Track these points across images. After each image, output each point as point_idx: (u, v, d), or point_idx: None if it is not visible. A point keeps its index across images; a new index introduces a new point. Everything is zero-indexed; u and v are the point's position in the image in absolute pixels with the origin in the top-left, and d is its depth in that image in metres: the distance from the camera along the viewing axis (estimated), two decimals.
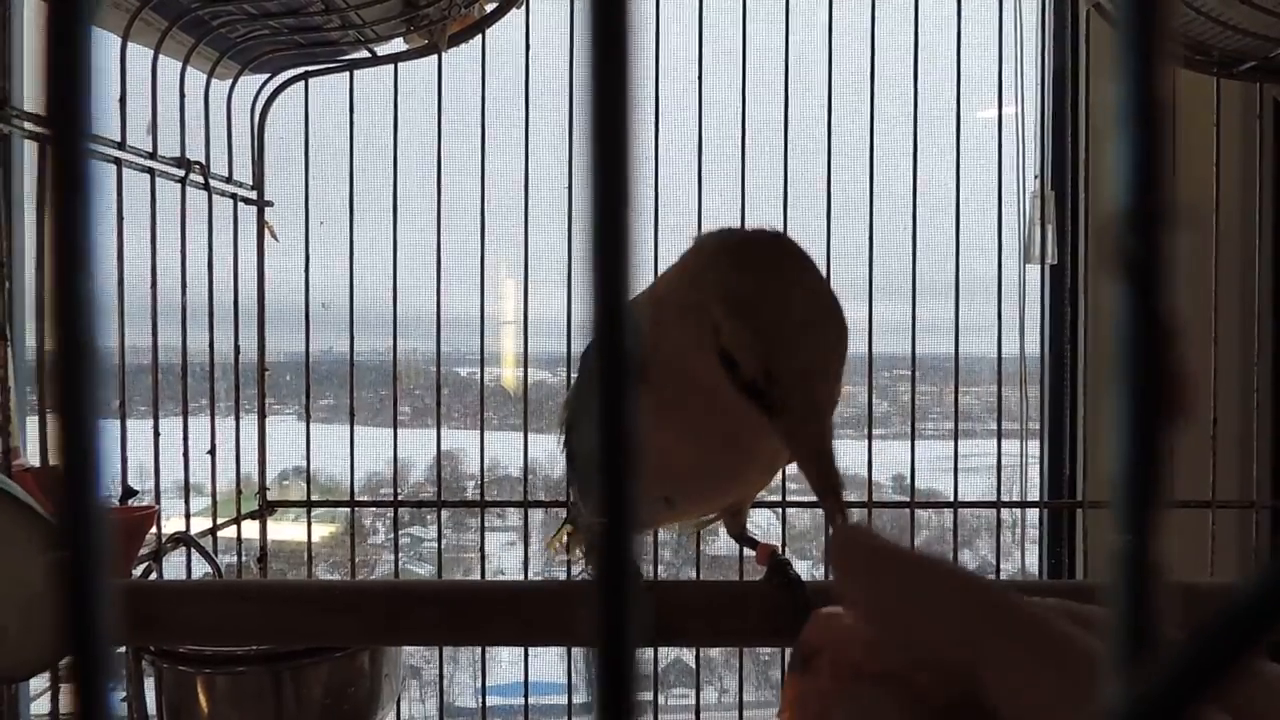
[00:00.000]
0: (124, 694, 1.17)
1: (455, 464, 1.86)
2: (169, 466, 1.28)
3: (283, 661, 1.12)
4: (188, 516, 1.32)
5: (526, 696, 1.50)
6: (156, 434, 1.26)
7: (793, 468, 0.89)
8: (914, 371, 1.46)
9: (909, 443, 1.47)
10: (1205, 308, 1.40)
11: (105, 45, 1.17)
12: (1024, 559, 1.80)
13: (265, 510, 1.52)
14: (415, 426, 1.62)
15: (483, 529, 1.52)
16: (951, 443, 1.46)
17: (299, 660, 1.13)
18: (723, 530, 0.95)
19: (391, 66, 1.45)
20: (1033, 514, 1.67)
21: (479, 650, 1.57)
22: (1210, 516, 1.42)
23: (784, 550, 0.91)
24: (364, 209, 1.47)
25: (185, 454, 1.32)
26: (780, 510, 1.56)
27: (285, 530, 1.59)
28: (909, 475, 1.50)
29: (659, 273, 0.75)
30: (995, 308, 1.47)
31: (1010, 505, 1.54)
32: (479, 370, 1.53)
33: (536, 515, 1.56)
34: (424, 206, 1.46)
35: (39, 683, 1.19)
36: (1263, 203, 1.47)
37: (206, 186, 1.33)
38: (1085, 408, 1.55)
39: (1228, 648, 0.15)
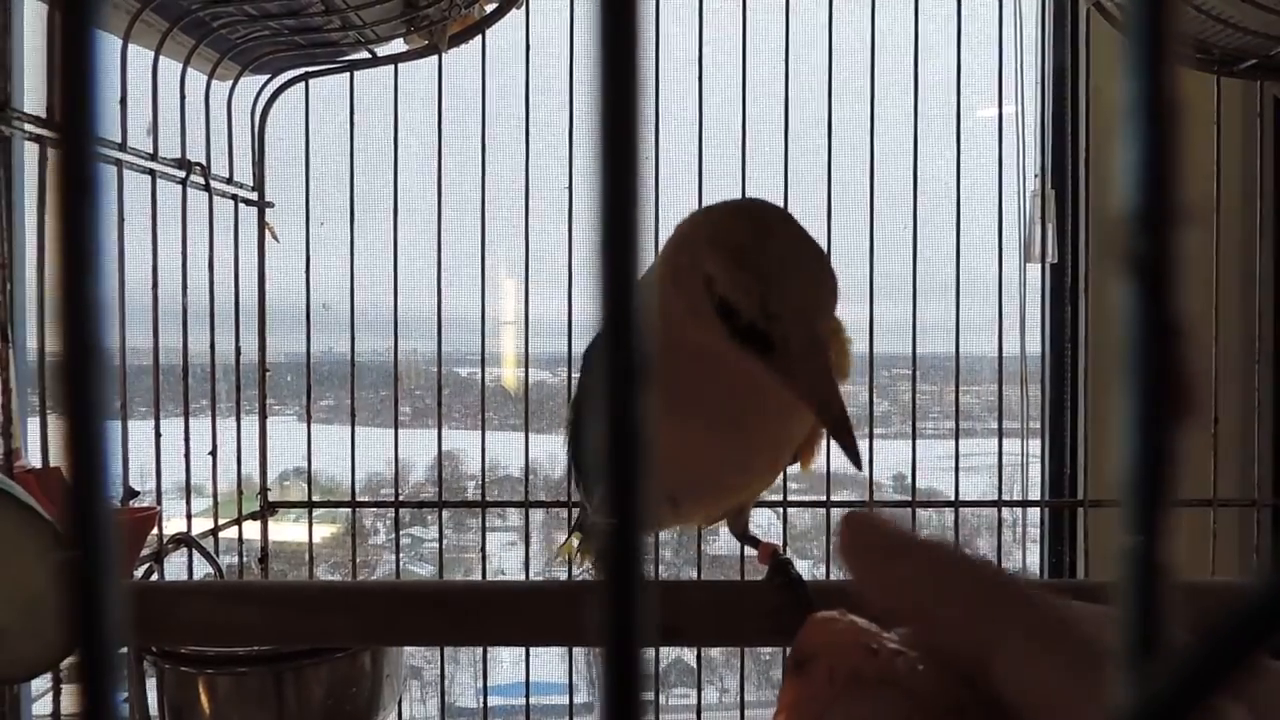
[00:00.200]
0: (125, 694, 1.17)
1: (456, 464, 1.86)
2: (170, 467, 1.28)
3: (284, 662, 1.12)
4: (189, 517, 1.32)
5: (528, 697, 1.50)
6: (158, 435, 1.26)
7: (793, 469, 0.89)
8: (914, 371, 1.46)
9: (909, 442, 1.47)
10: (1206, 306, 1.40)
11: (107, 47, 1.16)
12: (1025, 558, 1.80)
13: (266, 511, 1.52)
14: (416, 427, 1.62)
15: (484, 529, 1.52)
16: (952, 442, 1.46)
17: (300, 661, 1.13)
18: (724, 530, 0.95)
19: (392, 67, 1.45)
20: (1034, 513, 1.67)
21: (480, 650, 1.57)
22: (1212, 515, 1.42)
23: (785, 550, 0.91)
24: (364, 210, 1.47)
25: (186, 455, 1.32)
26: (781, 510, 1.56)
27: (286, 531, 1.59)
28: (909, 474, 1.50)
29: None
30: (996, 307, 1.47)
31: (1011, 504, 1.54)
32: (479, 370, 1.52)
33: (537, 515, 1.56)
34: (424, 207, 1.46)
35: (41, 683, 1.19)
36: (1263, 201, 1.47)
37: (207, 187, 1.33)
38: (1086, 406, 1.55)
39: (1237, 648, 0.15)
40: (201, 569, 1.31)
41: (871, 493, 1.49)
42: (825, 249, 1.39)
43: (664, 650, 1.68)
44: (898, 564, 0.31)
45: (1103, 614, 0.27)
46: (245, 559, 1.48)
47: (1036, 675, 0.26)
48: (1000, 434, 1.54)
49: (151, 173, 1.23)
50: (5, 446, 1.06)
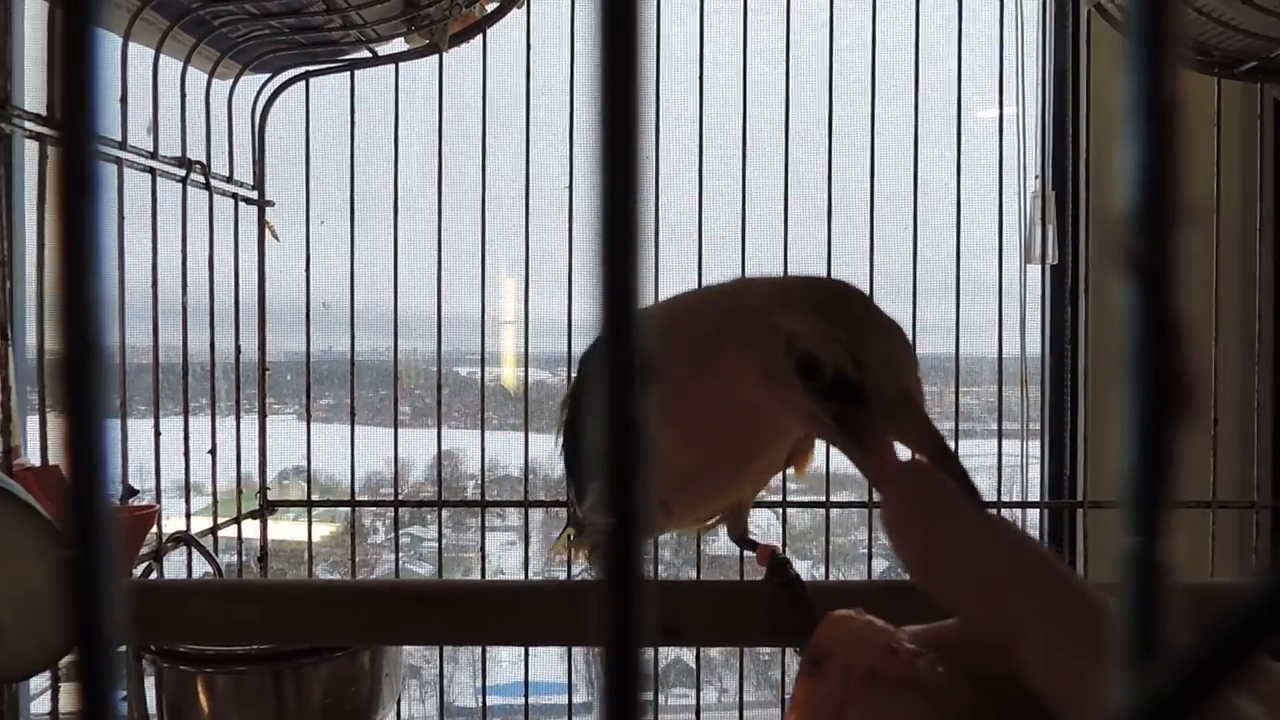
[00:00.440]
0: (124, 693, 1.16)
1: (455, 464, 1.86)
2: (169, 466, 1.28)
3: (283, 661, 1.12)
4: (188, 516, 1.32)
5: (527, 696, 1.50)
6: (157, 433, 1.26)
7: (791, 469, 0.89)
8: None
9: None
10: (1206, 307, 1.40)
11: (107, 45, 1.16)
12: None
13: (265, 510, 1.52)
14: (415, 426, 1.62)
15: (483, 529, 1.52)
16: (952, 443, 1.46)
17: (299, 660, 1.13)
18: (723, 530, 0.95)
19: (392, 66, 1.45)
20: (1033, 514, 1.67)
21: (479, 650, 1.57)
22: (1211, 516, 1.42)
23: (784, 550, 0.91)
24: (365, 209, 1.47)
25: (186, 454, 1.32)
26: (780, 510, 1.56)
27: (285, 530, 1.59)
28: None
29: (658, 278, 0.76)
30: (996, 307, 1.47)
31: (1011, 505, 1.54)
32: (479, 370, 1.52)
33: (537, 515, 1.56)
34: (425, 206, 1.46)
35: (39, 682, 1.19)
36: (1263, 203, 1.47)
37: (207, 186, 1.33)
38: (1086, 408, 1.55)
39: (1236, 648, 0.15)
40: (201, 568, 1.31)
41: (871, 493, 1.49)
42: (825, 249, 1.40)
43: (663, 650, 1.68)
44: (941, 527, 0.31)
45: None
46: (244, 558, 1.48)
47: (1063, 662, 0.26)
48: (1000, 435, 1.54)
49: (152, 171, 1.23)
50: (4, 444, 1.06)
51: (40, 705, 1.20)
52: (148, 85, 1.23)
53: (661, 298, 0.79)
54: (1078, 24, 1.56)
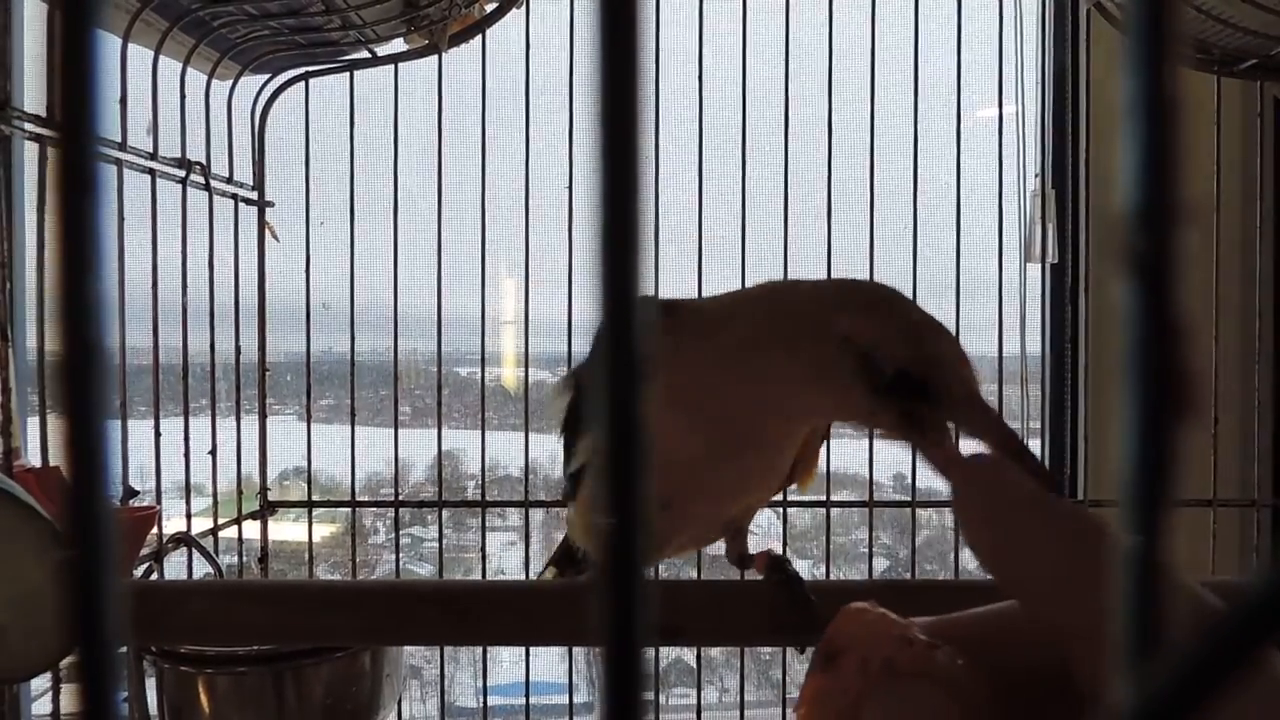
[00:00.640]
0: (125, 694, 1.16)
1: (455, 464, 1.86)
2: (170, 467, 1.28)
3: (284, 661, 1.12)
4: (189, 517, 1.32)
5: (528, 696, 1.50)
6: (158, 434, 1.26)
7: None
8: None
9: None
10: (1206, 306, 1.40)
11: (107, 46, 1.16)
12: None
13: (266, 510, 1.51)
14: (415, 426, 1.62)
15: (484, 529, 1.52)
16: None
17: (300, 660, 1.13)
18: (731, 564, 0.94)
19: (392, 67, 1.45)
20: None
21: (480, 650, 1.57)
22: (1211, 515, 1.42)
23: (785, 550, 0.91)
24: (364, 209, 1.47)
25: (186, 454, 1.32)
26: (781, 510, 1.56)
27: (286, 530, 1.59)
28: (909, 475, 1.50)
29: (658, 278, 0.77)
30: (996, 307, 1.47)
31: None
32: (479, 370, 1.52)
33: (537, 515, 1.56)
34: (424, 206, 1.46)
35: (40, 683, 1.19)
36: (1263, 201, 1.47)
37: (207, 187, 1.33)
38: (1086, 406, 1.55)
39: (1237, 647, 0.15)
40: (201, 569, 1.31)
41: (871, 493, 1.49)
42: (826, 249, 1.40)
43: (664, 650, 1.68)
44: (1013, 520, 0.30)
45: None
46: (245, 559, 1.48)
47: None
48: None
49: (151, 172, 1.23)
50: (5, 445, 1.06)
51: (41, 706, 1.20)
52: (147, 86, 1.23)
53: (667, 297, 0.79)
54: (1077, 23, 1.56)
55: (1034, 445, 1.71)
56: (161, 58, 1.24)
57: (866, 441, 1.44)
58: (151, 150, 1.23)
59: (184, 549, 1.29)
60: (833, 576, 1.45)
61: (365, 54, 1.44)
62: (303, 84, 1.47)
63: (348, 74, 1.46)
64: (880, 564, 1.66)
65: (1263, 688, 0.24)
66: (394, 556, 1.56)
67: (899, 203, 1.43)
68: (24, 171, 1.13)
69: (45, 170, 1.07)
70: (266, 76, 1.46)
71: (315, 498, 1.56)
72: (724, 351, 0.73)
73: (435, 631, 0.94)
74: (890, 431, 0.69)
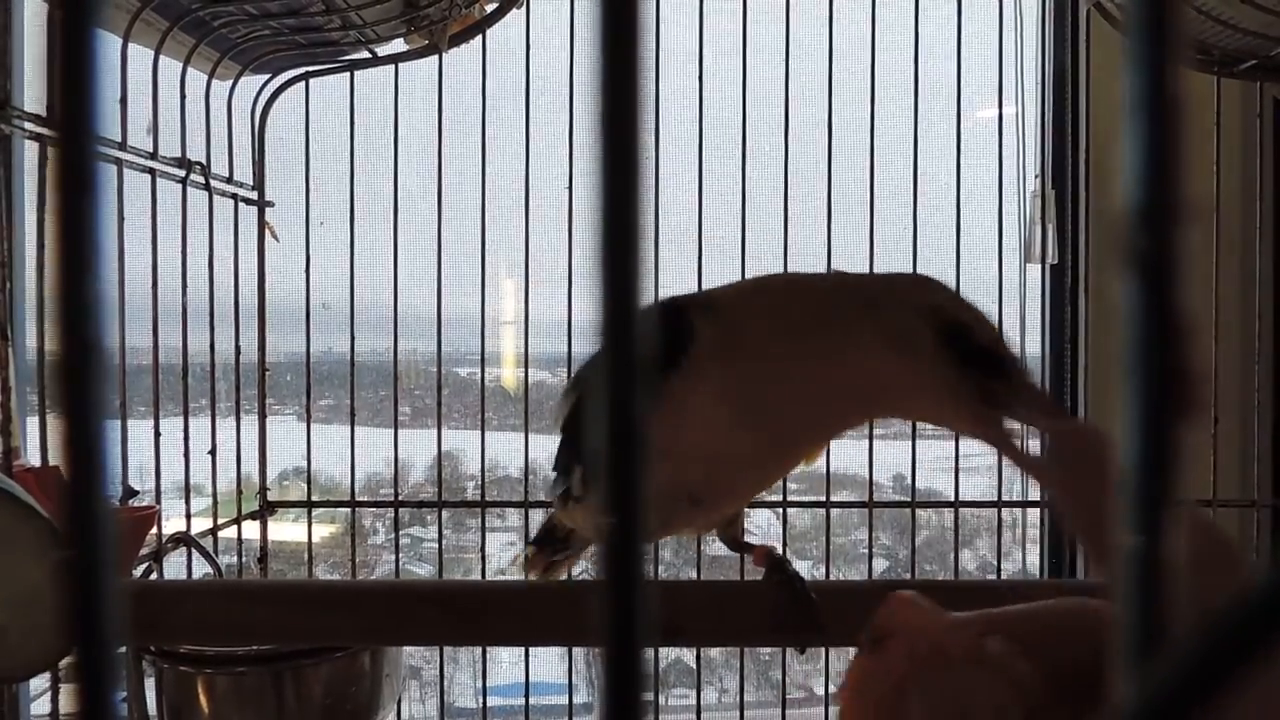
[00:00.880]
0: (124, 694, 1.16)
1: (455, 464, 1.86)
2: (169, 467, 1.27)
3: (283, 662, 1.12)
4: (188, 517, 1.31)
5: (527, 697, 1.50)
6: (157, 434, 1.25)
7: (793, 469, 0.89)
8: None
9: (908, 443, 1.47)
10: (1206, 306, 1.40)
11: (106, 46, 1.16)
12: (1025, 559, 1.80)
13: (265, 510, 1.51)
14: (415, 427, 1.61)
15: (483, 529, 1.52)
16: (951, 443, 1.46)
17: (299, 660, 1.13)
18: (725, 545, 0.94)
19: (392, 67, 1.44)
20: (1034, 513, 1.67)
21: (479, 651, 1.57)
22: (1211, 515, 1.42)
23: (784, 550, 0.91)
24: (364, 209, 1.47)
25: (186, 454, 1.31)
26: (781, 510, 1.56)
27: (285, 531, 1.59)
28: (907, 475, 1.50)
29: (657, 278, 0.78)
30: (996, 308, 1.47)
31: (1011, 505, 1.54)
32: (479, 370, 1.52)
33: (537, 516, 1.55)
34: (424, 207, 1.46)
35: (39, 683, 1.18)
36: (1263, 202, 1.47)
37: (207, 187, 1.33)
38: (1086, 407, 1.55)
39: (1239, 646, 0.15)
40: (200, 569, 1.30)
41: (871, 493, 1.49)
42: (826, 249, 1.40)
43: (664, 650, 1.67)
44: (1092, 482, 0.30)
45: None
46: (245, 559, 1.48)
47: None
48: None
49: (151, 172, 1.23)
50: (4, 445, 1.06)
51: (40, 706, 1.19)
52: (147, 86, 1.23)
53: (688, 293, 0.80)
54: (1077, 23, 1.56)
55: (1034, 444, 1.71)
56: (162, 57, 1.24)
57: (866, 443, 1.44)
58: (152, 150, 1.23)
59: (183, 549, 1.29)
60: (832, 577, 1.45)
61: (365, 54, 1.44)
62: (303, 84, 1.47)
63: (348, 74, 1.46)
64: (880, 565, 1.66)
65: (1265, 688, 0.24)
66: (394, 557, 1.56)
67: (899, 203, 1.43)
68: (24, 171, 1.13)
69: (45, 169, 1.07)
70: (267, 76, 1.46)
71: (315, 498, 1.56)
72: (786, 339, 0.73)
73: (436, 631, 0.94)
74: (958, 406, 0.70)
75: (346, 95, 1.46)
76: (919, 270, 1.41)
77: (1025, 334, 1.64)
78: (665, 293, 0.79)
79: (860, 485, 1.52)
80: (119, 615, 0.16)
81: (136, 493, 1.21)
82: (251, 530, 1.50)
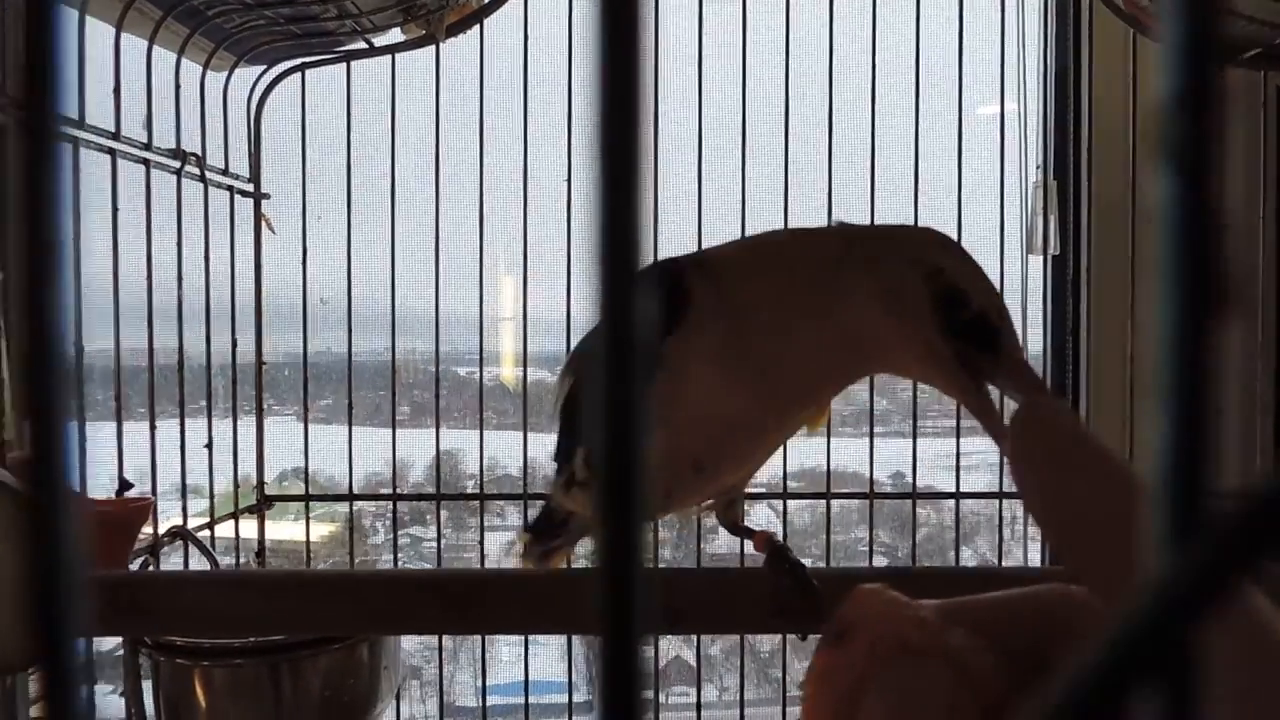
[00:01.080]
0: (121, 688, 1.16)
1: (454, 463, 1.85)
2: (166, 467, 1.27)
3: (281, 654, 1.12)
4: (184, 513, 1.31)
5: (527, 695, 1.50)
6: (153, 429, 1.25)
7: (794, 469, 0.88)
8: None
9: (908, 440, 1.47)
10: None
11: (99, 35, 1.16)
12: (1025, 555, 1.80)
13: (263, 505, 1.50)
14: (413, 426, 1.61)
15: (482, 526, 1.51)
16: (951, 440, 1.46)
17: (297, 652, 1.12)
18: (724, 529, 0.94)
19: (389, 57, 1.44)
20: None
21: (479, 649, 1.56)
22: None
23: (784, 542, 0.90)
24: (361, 202, 1.47)
25: (182, 449, 1.31)
26: (781, 504, 1.55)
27: (283, 530, 1.58)
28: (907, 472, 1.49)
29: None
30: None
31: (1012, 496, 1.53)
32: (478, 369, 1.52)
33: (536, 512, 1.55)
34: (422, 200, 1.45)
35: (37, 686, 1.18)
36: (1266, 190, 1.46)
37: (203, 178, 1.32)
38: (1088, 399, 1.54)
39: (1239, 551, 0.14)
40: (197, 565, 1.30)
41: (872, 489, 1.48)
42: None
43: (664, 648, 1.67)
44: (1072, 467, 0.29)
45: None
46: (243, 556, 1.47)
47: None
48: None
49: (146, 163, 1.23)
50: None
51: (39, 708, 1.19)
52: (141, 76, 1.23)
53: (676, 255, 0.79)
54: (1079, 14, 1.56)
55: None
56: (155, 48, 1.24)
57: (866, 440, 1.44)
58: (146, 141, 1.22)
59: (180, 544, 1.28)
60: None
61: (362, 44, 1.44)
62: (299, 75, 1.47)
63: (344, 65, 1.45)
64: (879, 561, 1.66)
65: (1242, 622, 0.23)
66: (393, 556, 1.56)
67: (900, 200, 1.43)
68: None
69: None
70: (262, 67, 1.46)
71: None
72: (782, 296, 0.73)
73: (434, 619, 0.93)
74: (941, 371, 0.70)
75: (343, 86, 1.45)
76: None
77: (1027, 326, 1.64)
78: None
79: (860, 482, 1.52)
80: (82, 614, 0.15)
81: (132, 485, 1.20)
82: (249, 528, 1.49)
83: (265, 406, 1.52)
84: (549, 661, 1.64)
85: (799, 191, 1.42)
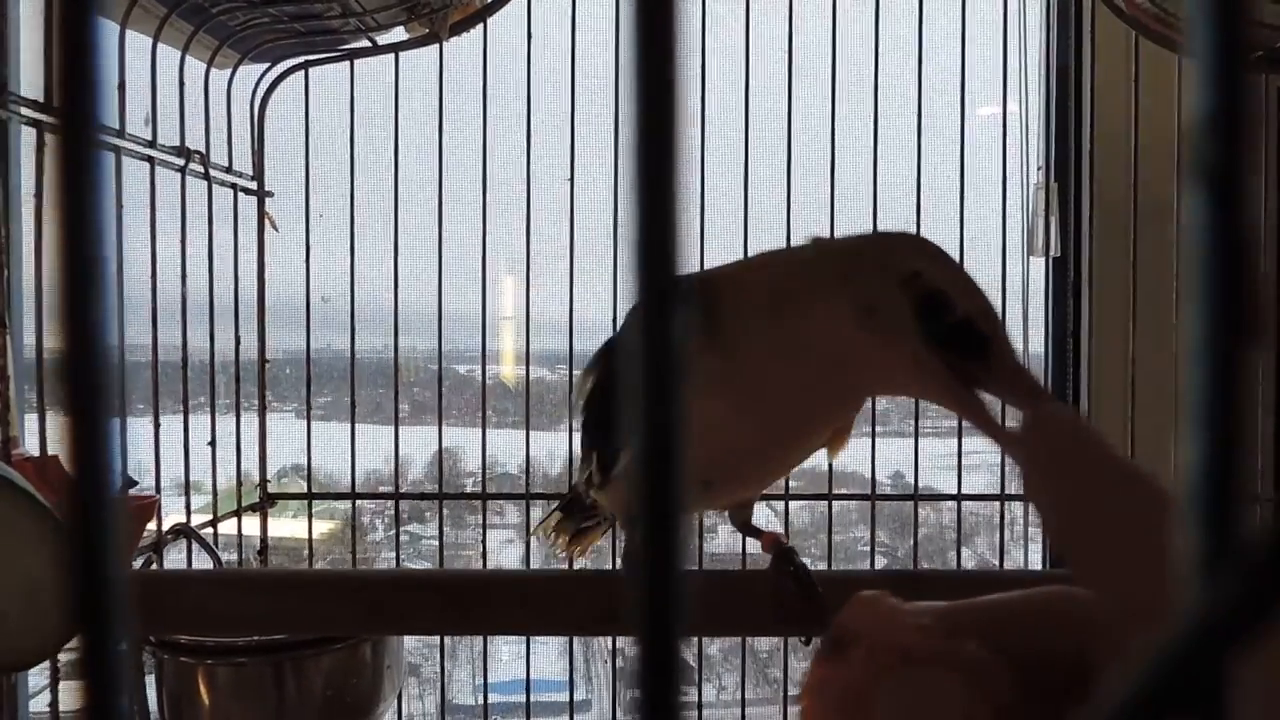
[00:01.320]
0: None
1: (455, 461, 1.85)
2: (169, 464, 1.27)
3: (284, 652, 1.12)
4: (188, 510, 1.31)
5: (528, 693, 1.50)
6: (157, 425, 1.25)
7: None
8: None
9: (909, 440, 1.46)
10: None
11: (106, 32, 1.15)
12: (1026, 556, 1.80)
13: (266, 503, 1.50)
14: (414, 424, 1.61)
15: (484, 525, 1.51)
16: (952, 440, 1.46)
17: (300, 651, 1.12)
18: (723, 528, 0.94)
19: (392, 56, 1.44)
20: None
21: (479, 647, 1.56)
22: None
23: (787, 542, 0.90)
24: (364, 201, 1.46)
25: (185, 447, 1.31)
26: (783, 505, 1.55)
27: (285, 527, 1.58)
28: (907, 473, 1.49)
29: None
30: (999, 303, 1.47)
31: (1013, 498, 1.53)
32: (479, 367, 1.52)
33: (537, 511, 1.55)
34: (425, 199, 1.45)
35: (38, 680, 1.18)
36: (1268, 194, 1.46)
37: (206, 176, 1.32)
38: (1089, 401, 1.54)
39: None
40: (200, 562, 1.30)
41: (874, 486, 1.48)
42: None
43: None
44: (1074, 471, 0.29)
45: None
46: (245, 553, 1.47)
47: None
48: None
49: (150, 160, 1.23)
50: (3, 434, 1.05)
51: (39, 704, 1.19)
52: (146, 73, 1.23)
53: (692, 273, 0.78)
54: (1081, 15, 1.55)
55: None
56: (160, 45, 1.23)
57: (868, 440, 1.44)
58: (150, 138, 1.22)
59: (183, 542, 1.28)
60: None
61: (365, 43, 1.44)
62: (302, 73, 1.46)
63: (348, 63, 1.45)
64: (880, 562, 1.66)
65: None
66: (393, 554, 1.55)
67: (902, 200, 1.43)
68: (20, 158, 1.12)
69: (42, 156, 1.06)
70: (266, 65, 1.46)
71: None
72: (773, 298, 0.70)
73: (436, 619, 0.94)
74: (932, 384, 0.66)
75: (346, 85, 1.45)
76: None
77: (1028, 331, 1.64)
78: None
79: (860, 483, 1.52)
80: (126, 613, 0.15)
81: (136, 483, 1.20)
82: (251, 526, 1.49)
83: (267, 404, 1.51)
84: (549, 659, 1.64)
85: (799, 193, 1.42)
